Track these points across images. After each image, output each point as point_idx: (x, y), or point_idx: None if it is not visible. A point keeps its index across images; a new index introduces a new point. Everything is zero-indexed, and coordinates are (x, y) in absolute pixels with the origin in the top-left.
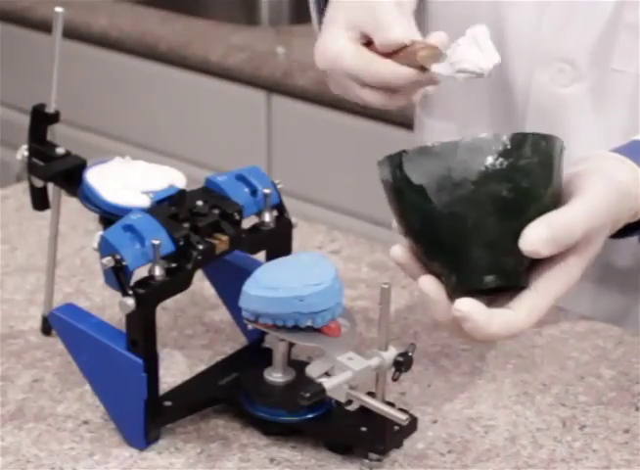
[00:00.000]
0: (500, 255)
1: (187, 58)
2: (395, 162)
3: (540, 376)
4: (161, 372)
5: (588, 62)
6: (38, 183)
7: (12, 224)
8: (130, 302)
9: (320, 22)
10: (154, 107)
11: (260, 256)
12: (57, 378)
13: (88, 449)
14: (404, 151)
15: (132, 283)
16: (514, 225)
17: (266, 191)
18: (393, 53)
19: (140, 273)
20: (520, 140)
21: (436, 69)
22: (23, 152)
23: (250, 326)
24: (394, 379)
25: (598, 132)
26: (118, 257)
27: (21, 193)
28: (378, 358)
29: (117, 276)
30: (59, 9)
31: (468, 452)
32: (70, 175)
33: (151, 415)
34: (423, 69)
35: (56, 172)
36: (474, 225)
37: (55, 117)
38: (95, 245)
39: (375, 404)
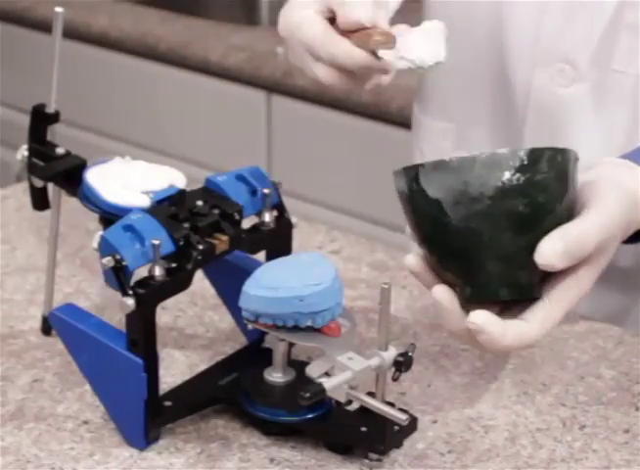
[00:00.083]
0: (514, 268)
1: (187, 58)
2: (412, 174)
3: (540, 376)
4: (161, 372)
5: (589, 62)
6: (38, 183)
7: (12, 224)
8: (130, 302)
9: None
10: (154, 107)
11: (260, 256)
12: (57, 378)
13: (88, 449)
14: (421, 164)
15: (132, 283)
16: (528, 239)
17: (266, 191)
18: (353, 33)
19: (140, 273)
20: (536, 155)
21: (383, 54)
22: (23, 152)
23: (250, 326)
24: (394, 379)
25: (598, 133)
26: (118, 257)
27: (21, 193)
28: (378, 358)
29: (117, 276)
30: (59, 9)
31: (468, 452)
32: (70, 175)
33: (151, 415)
34: (376, 55)
35: (56, 172)
36: (489, 239)
37: (55, 117)
38: (95, 245)
39: (375, 404)
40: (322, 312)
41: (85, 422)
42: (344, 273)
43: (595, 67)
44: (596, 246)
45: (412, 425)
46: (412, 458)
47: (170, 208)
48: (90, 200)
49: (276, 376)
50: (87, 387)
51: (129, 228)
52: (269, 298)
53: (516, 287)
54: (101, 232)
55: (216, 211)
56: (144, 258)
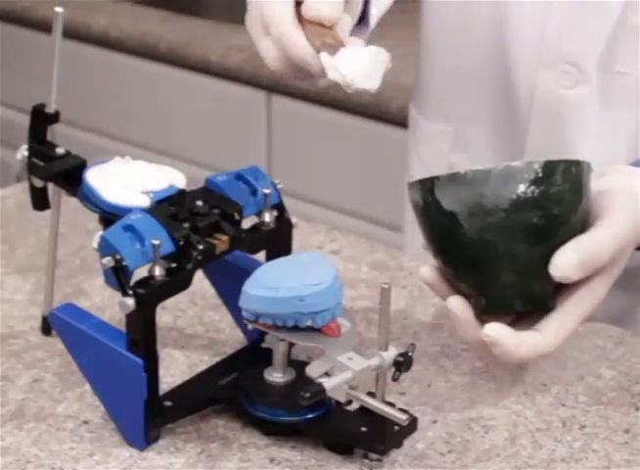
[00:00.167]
0: (529, 279)
1: (187, 58)
2: (427, 187)
3: (540, 376)
4: (161, 372)
5: (593, 64)
6: (38, 183)
7: (12, 224)
8: (130, 302)
9: None
10: (154, 107)
11: (260, 256)
12: (57, 378)
13: (88, 449)
14: (436, 177)
15: (132, 283)
16: (543, 250)
17: (266, 191)
18: (311, 24)
19: (140, 273)
20: (551, 168)
21: (323, 57)
22: (23, 152)
23: (250, 326)
24: (394, 379)
25: (602, 134)
26: (118, 257)
27: (21, 193)
28: (378, 358)
29: (117, 276)
30: (59, 9)
31: (468, 452)
32: (70, 175)
33: (151, 415)
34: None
35: (56, 172)
36: (504, 251)
37: (55, 117)
38: (95, 245)
39: (375, 404)
40: (322, 312)
41: (85, 422)
42: (344, 273)
43: (600, 68)
44: (610, 257)
45: (412, 425)
46: (412, 458)
47: (170, 208)
48: (90, 200)
49: (276, 376)
50: (87, 387)
51: (129, 228)
52: (269, 298)
53: (530, 298)
54: (101, 232)
55: (216, 211)
56: (144, 258)
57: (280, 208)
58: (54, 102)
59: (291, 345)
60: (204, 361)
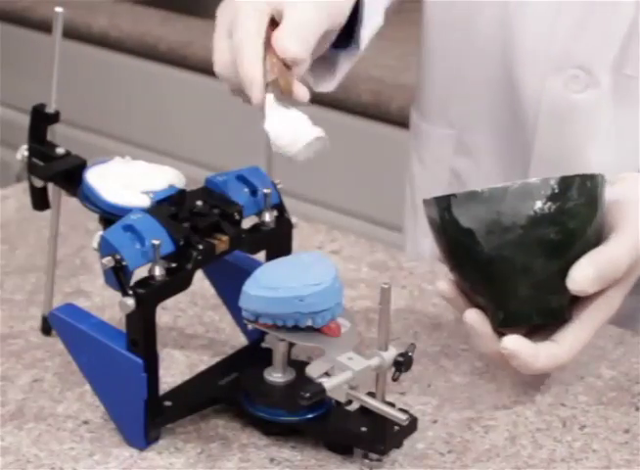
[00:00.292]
0: (546, 293)
1: (187, 58)
2: (444, 204)
3: (540, 376)
4: (161, 372)
5: (604, 68)
6: (38, 183)
7: (12, 224)
8: (130, 302)
9: None
10: (154, 107)
11: (260, 256)
12: (57, 378)
13: (88, 449)
14: (453, 195)
15: (132, 283)
16: (559, 264)
17: (266, 191)
18: (275, 52)
19: (140, 273)
20: (567, 183)
21: (267, 99)
22: (23, 152)
23: (250, 326)
24: (394, 379)
25: (611, 138)
26: (118, 257)
27: (21, 193)
28: (378, 358)
29: (117, 276)
30: (59, 9)
31: (468, 452)
32: (70, 175)
33: (151, 415)
34: (266, 87)
35: (56, 172)
36: (521, 267)
37: (55, 117)
38: (95, 245)
39: (375, 404)
40: (322, 312)
41: (85, 422)
42: (344, 273)
43: (609, 72)
44: (626, 268)
45: (412, 425)
46: (412, 458)
47: (170, 208)
48: (90, 200)
49: (276, 376)
50: (87, 387)
51: (129, 228)
52: (269, 298)
53: (547, 311)
54: (101, 232)
55: (216, 211)
56: (144, 258)
57: (280, 208)
58: (54, 102)
59: (291, 345)
60: (204, 361)
